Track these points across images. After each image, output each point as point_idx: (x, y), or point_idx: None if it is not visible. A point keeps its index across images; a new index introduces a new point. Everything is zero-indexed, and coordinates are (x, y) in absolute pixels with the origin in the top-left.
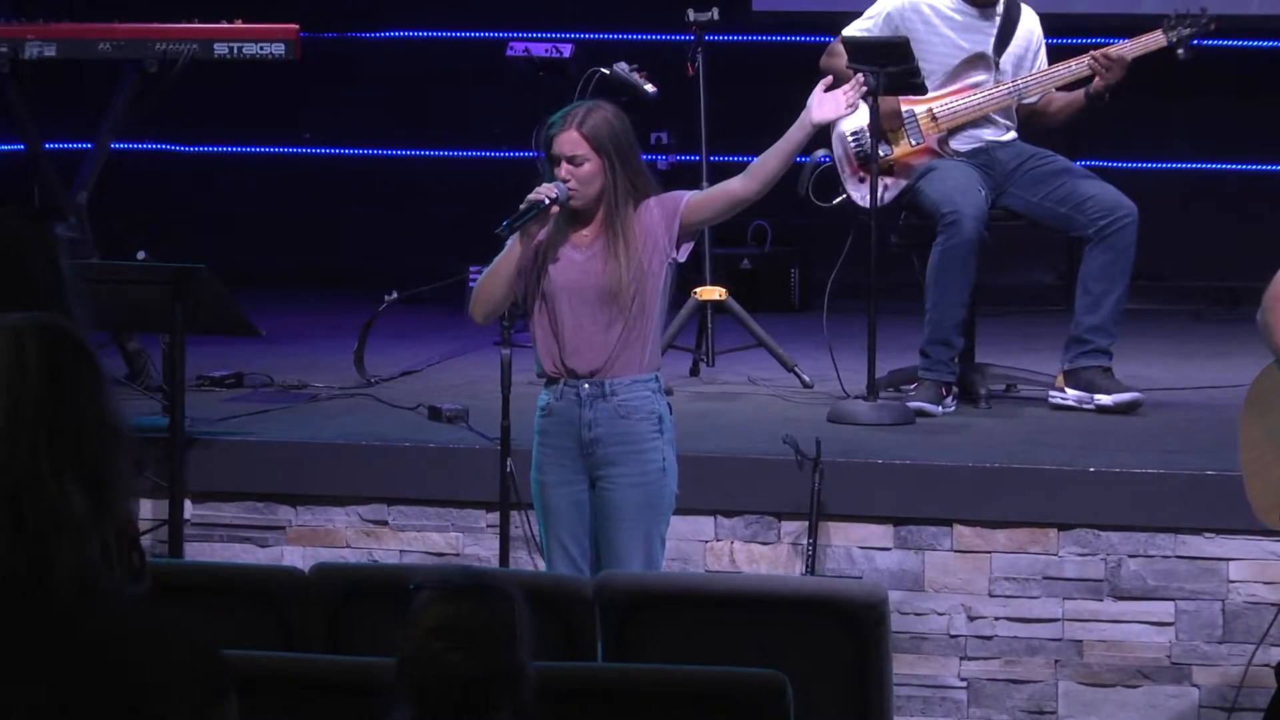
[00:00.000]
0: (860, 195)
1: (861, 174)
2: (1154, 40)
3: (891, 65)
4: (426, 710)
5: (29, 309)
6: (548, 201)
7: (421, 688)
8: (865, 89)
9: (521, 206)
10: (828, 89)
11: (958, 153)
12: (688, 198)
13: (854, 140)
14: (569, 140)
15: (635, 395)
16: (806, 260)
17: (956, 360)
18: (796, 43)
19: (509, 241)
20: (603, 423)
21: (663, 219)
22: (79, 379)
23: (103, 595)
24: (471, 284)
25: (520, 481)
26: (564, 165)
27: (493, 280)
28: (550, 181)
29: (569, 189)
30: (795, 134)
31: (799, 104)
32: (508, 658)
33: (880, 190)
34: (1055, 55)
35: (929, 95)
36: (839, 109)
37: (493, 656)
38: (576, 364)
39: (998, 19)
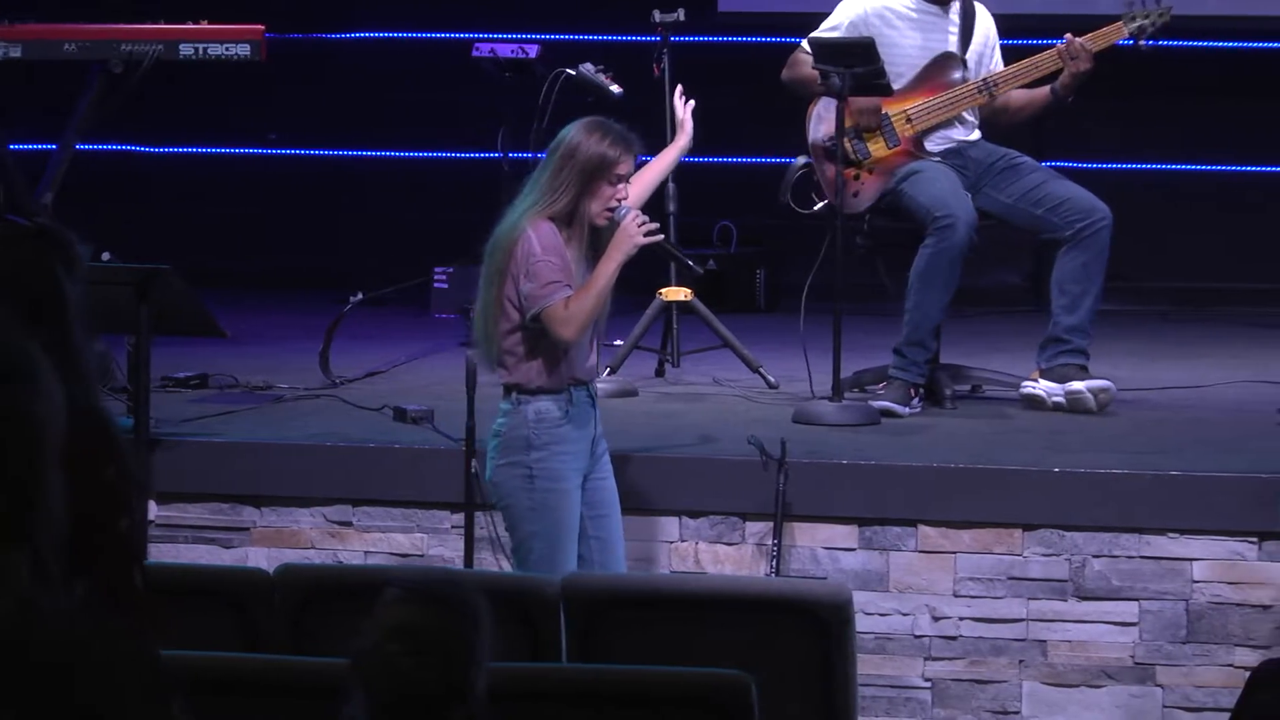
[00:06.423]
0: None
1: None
2: (1114, 32)
3: (857, 66)
4: (378, 706)
5: (28, 332)
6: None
7: (371, 686)
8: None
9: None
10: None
11: (931, 154)
12: None
13: (831, 144)
14: (630, 166)
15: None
16: (772, 261)
17: (927, 364)
18: (762, 44)
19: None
20: (599, 420)
21: None
22: None
23: (35, 609)
24: (436, 285)
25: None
26: (621, 186)
27: (599, 302)
28: (602, 203)
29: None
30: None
31: (764, 104)
32: (457, 676)
33: (856, 192)
34: (1009, 56)
35: (904, 96)
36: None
37: (443, 671)
38: (589, 373)
39: (957, 17)
